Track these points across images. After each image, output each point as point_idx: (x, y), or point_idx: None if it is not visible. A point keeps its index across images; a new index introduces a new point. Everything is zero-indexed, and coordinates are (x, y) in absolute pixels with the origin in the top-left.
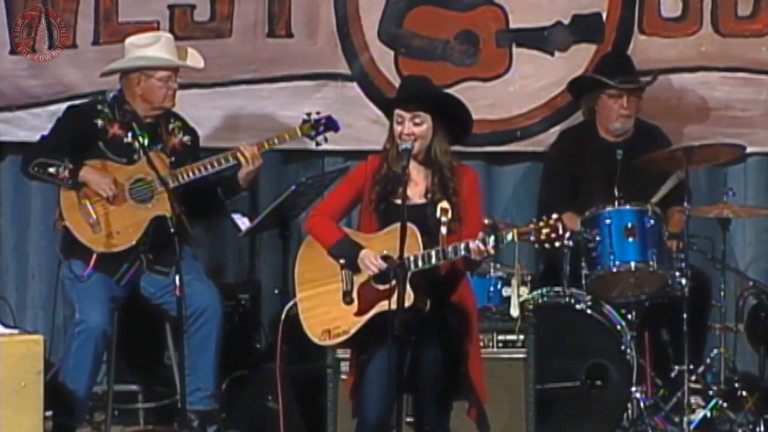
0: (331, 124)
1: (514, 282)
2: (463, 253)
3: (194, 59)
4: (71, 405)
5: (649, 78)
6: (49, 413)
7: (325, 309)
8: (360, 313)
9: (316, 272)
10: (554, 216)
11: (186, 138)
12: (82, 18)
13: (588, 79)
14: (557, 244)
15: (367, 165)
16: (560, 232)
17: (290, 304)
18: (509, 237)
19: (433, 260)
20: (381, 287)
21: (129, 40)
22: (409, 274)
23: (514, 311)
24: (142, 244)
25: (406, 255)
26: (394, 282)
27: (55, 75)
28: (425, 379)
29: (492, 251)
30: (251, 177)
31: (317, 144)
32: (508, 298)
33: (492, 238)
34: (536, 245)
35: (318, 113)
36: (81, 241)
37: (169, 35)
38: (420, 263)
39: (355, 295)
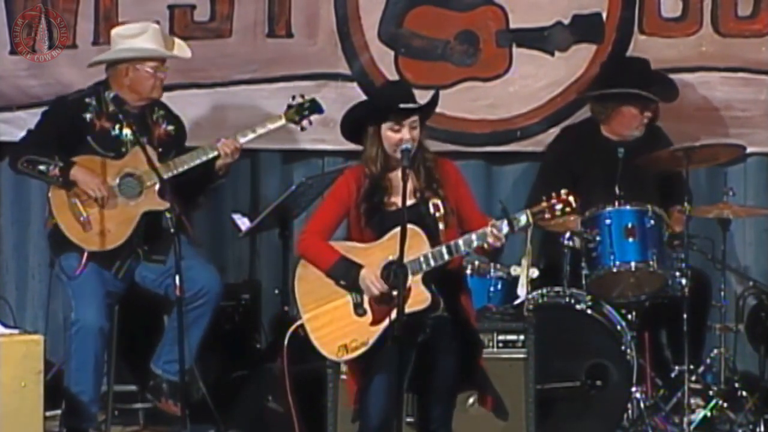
0: (314, 107)
1: (524, 262)
2: (475, 243)
3: (181, 50)
4: (79, 407)
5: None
6: (51, 413)
7: (336, 325)
8: (376, 322)
9: (319, 291)
10: (564, 191)
11: (170, 128)
12: (82, 18)
13: (632, 93)
14: (572, 217)
15: (347, 178)
16: (573, 205)
17: (293, 327)
18: (523, 219)
19: (446, 256)
20: (393, 293)
21: (115, 31)
22: (421, 275)
23: (521, 290)
24: (135, 239)
25: (416, 255)
26: (404, 285)
27: (55, 75)
28: (441, 378)
29: (506, 236)
30: (228, 166)
31: (302, 129)
32: (512, 288)
33: (505, 223)
34: (552, 221)
35: (302, 96)
36: (72, 240)
37: (156, 26)
38: (432, 262)
39: (366, 306)
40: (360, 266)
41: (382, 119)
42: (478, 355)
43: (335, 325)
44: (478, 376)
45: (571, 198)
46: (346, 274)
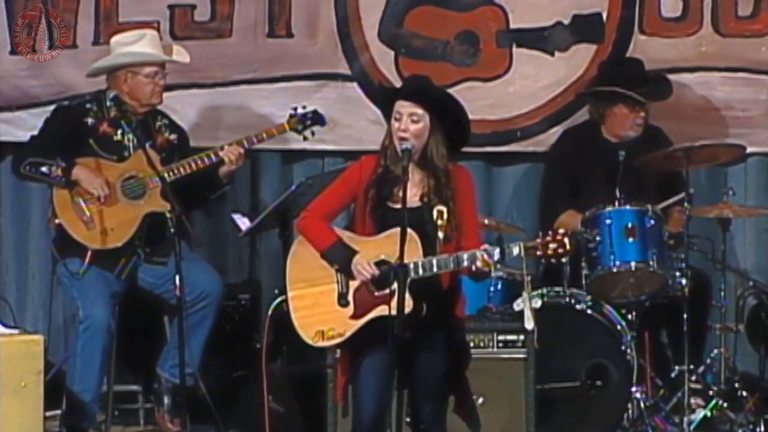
0: (317, 118)
1: (525, 294)
2: (465, 262)
3: (180, 54)
4: (81, 407)
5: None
6: (51, 413)
7: (318, 310)
8: (356, 316)
9: (309, 272)
10: (561, 231)
11: (173, 137)
12: (82, 18)
13: (615, 92)
14: (564, 259)
15: (361, 166)
16: (567, 247)
17: (277, 301)
18: (515, 251)
19: (435, 269)
20: (378, 293)
21: (114, 39)
22: (408, 281)
23: (529, 324)
24: (138, 239)
25: (406, 261)
26: (391, 287)
27: (55, 75)
28: (427, 375)
29: (497, 265)
30: (232, 173)
31: (304, 138)
32: (512, 289)
33: (497, 251)
34: (542, 260)
35: (304, 107)
36: (75, 238)
37: (154, 32)
38: (421, 271)
39: (350, 298)
40: (354, 252)
41: (389, 106)
42: (463, 365)
43: (317, 309)
44: (459, 384)
45: (566, 240)
46: (339, 257)
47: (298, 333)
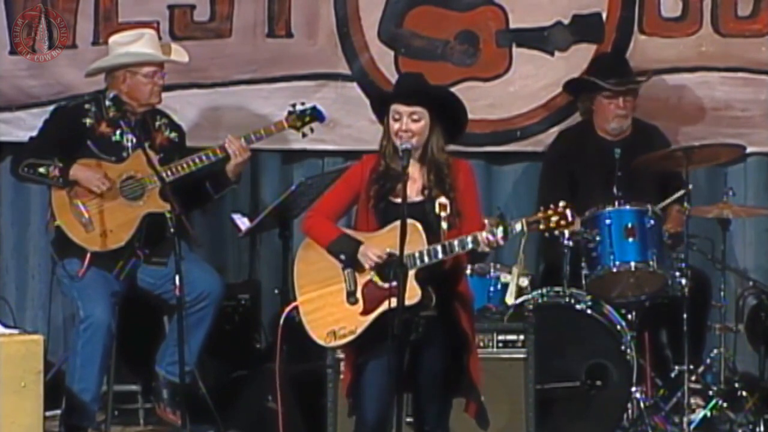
0: (316, 114)
1: (515, 270)
2: (470, 246)
3: (178, 54)
4: (80, 406)
5: (644, 78)
6: (51, 413)
7: (328, 311)
8: (366, 312)
9: (316, 274)
10: (562, 203)
11: (173, 135)
12: (82, 18)
13: (583, 80)
14: (567, 231)
15: (362, 164)
16: (569, 218)
17: (289, 308)
18: (518, 227)
19: (440, 255)
20: (385, 285)
21: (112, 39)
22: (414, 270)
23: (510, 299)
24: (137, 240)
25: (411, 251)
26: (403, 283)
27: (55, 75)
28: (428, 376)
29: (501, 242)
30: (240, 169)
31: (303, 135)
32: (506, 286)
33: (500, 228)
34: (546, 233)
35: (303, 104)
36: (74, 241)
37: (152, 32)
38: (426, 259)
39: (359, 294)
40: (360, 242)
41: (383, 108)
42: (465, 359)
43: (327, 310)
44: (464, 382)
45: (567, 211)
46: (346, 248)
47: (310, 337)
